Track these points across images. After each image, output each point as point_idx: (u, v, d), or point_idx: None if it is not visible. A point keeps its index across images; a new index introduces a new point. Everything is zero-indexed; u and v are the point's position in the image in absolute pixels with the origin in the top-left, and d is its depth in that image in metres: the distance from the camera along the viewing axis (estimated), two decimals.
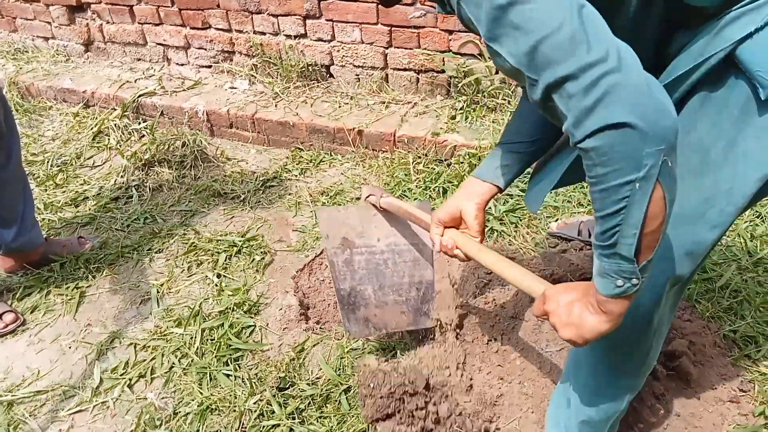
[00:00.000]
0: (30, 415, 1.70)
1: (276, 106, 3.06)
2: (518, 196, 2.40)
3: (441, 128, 2.73)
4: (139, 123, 3.21)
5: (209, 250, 2.29)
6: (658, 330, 1.16)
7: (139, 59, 3.69)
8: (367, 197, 1.59)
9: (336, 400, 1.65)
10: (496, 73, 2.79)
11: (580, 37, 0.74)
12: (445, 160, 2.66)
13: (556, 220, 2.27)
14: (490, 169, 1.24)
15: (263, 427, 1.58)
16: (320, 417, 1.60)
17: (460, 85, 2.85)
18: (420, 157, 2.70)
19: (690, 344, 1.66)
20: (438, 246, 1.26)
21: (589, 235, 2.09)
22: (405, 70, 2.99)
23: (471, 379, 1.63)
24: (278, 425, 1.58)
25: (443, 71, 2.90)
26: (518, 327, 1.75)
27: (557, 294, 0.97)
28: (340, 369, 1.73)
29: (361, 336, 1.78)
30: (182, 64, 3.55)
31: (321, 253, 2.22)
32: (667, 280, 1.05)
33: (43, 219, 2.55)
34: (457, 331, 1.77)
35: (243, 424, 1.59)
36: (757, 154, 0.93)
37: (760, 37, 0.89)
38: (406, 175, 2.62)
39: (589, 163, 0.78)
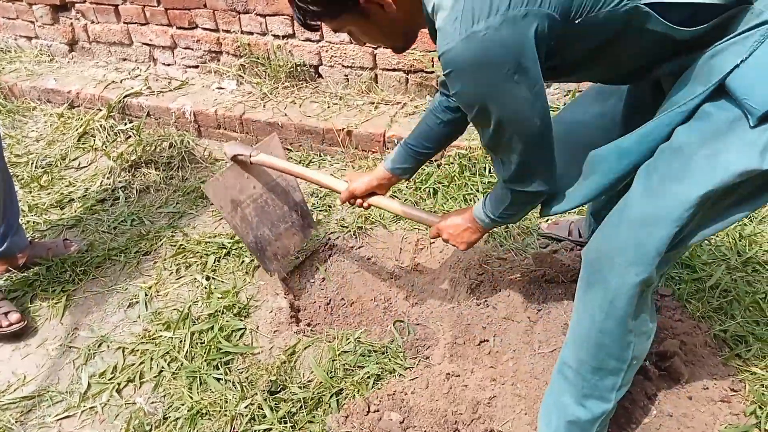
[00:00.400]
0: (16, 422, 1.67)
1: (264, 106, 3.04)
2: None
3: None
4: (125, 124, 3.17)
5: (198, 252, 2.26)
6: (639, 329, 1.21)
7: (124, 59, 3.65)
8: (234, 157, 1.86)
9: (327, 403, 1.63)
10: None
11: (533, 168, 1.22)
12: (435, 161, 2.65)
13: (547, 220, 2.27)
14: (398, 166, 1.66)
15: (254, 431, 1.56)
16: (311, 421, 1.59)
17: None
18: None
19: (681, 344, 1.66)
20: (345, 204, 1.87)
21: (579, 236, 2.09)
22: (394, 70, 2.98)
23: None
24: (270, 429, 1.56)
25: (432, 71, 2.89)
26: (510, 328, 1.75)
27: (448, 227, 1.54)
28: (331, 371, 1.71)
29: (277, 270, 2.06)
30: (169, 64, 3.52)
31: (311, 255, 2.20)
32: (641, 282, 1.12)
33: (28, 221, 2.51)
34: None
35: (234, 428, 1.57)
36: (734, 165, 0.99)
37: (747, 67, 0.97)
38: None
39: (505, 192, 1.30)
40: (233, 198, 1.88)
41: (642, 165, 1.13)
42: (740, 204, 1.07)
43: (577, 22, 1.01)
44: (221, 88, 3.25)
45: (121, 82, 3.41)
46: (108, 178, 2.79)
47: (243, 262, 2.19)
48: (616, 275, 1.13)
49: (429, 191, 2.49)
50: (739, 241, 2.08)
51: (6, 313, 1.94)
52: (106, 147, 3.03)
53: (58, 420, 1.67)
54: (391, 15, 1.14)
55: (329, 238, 2.28)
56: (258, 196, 1.96)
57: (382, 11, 1.13)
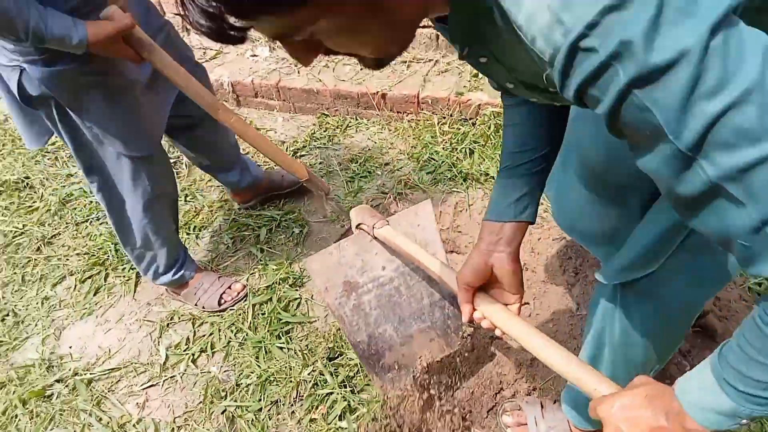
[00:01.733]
0: (109, 391, 1.89)
1: (298, 72, 3.09)
2: None
3: (464, 86, 2.75)
4: None
5: (250, 225, 2.40)
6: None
7: None
8: (358, 226, 1.41)
9: None
10: None
11: None
12: (471, 119, 2.69)
13: None
14: (507, 205, 1.00)
15: (318, 395, 1.73)
16: (368, 384, 1.75)
17: None
18: (445, 118, 2.73)
19: (716, 300, 1.74)
20: (467, 318, 1.06)
21: None
22: (424, 27, 2.97)
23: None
24: (331, 393, 1.73)
25: None
26: (549, 291, 1.85)
27: (622, 418, 0.72)
28: None
29: (395, 386, 1.53)
30: None
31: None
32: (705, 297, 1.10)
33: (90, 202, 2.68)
34: None
35: (300, 393, 1.75)
36: None
37: None
38: (432, 137, 2.67)
39: None
40: (347, 279, 1.40)
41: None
42: None
43: None
44: (255, 56, 3.30)
45: None
46: None
47: (293, 233, 2.32)
48: (674, 291, 1.04)
49: (465, 151, 2.54)
50: None
51: (230, 286, 2.11)
52: None
53: (144, 389, 1.89)
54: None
55: (371, 205, 2.38)
56: (387, 281, 1.43)
57: None
